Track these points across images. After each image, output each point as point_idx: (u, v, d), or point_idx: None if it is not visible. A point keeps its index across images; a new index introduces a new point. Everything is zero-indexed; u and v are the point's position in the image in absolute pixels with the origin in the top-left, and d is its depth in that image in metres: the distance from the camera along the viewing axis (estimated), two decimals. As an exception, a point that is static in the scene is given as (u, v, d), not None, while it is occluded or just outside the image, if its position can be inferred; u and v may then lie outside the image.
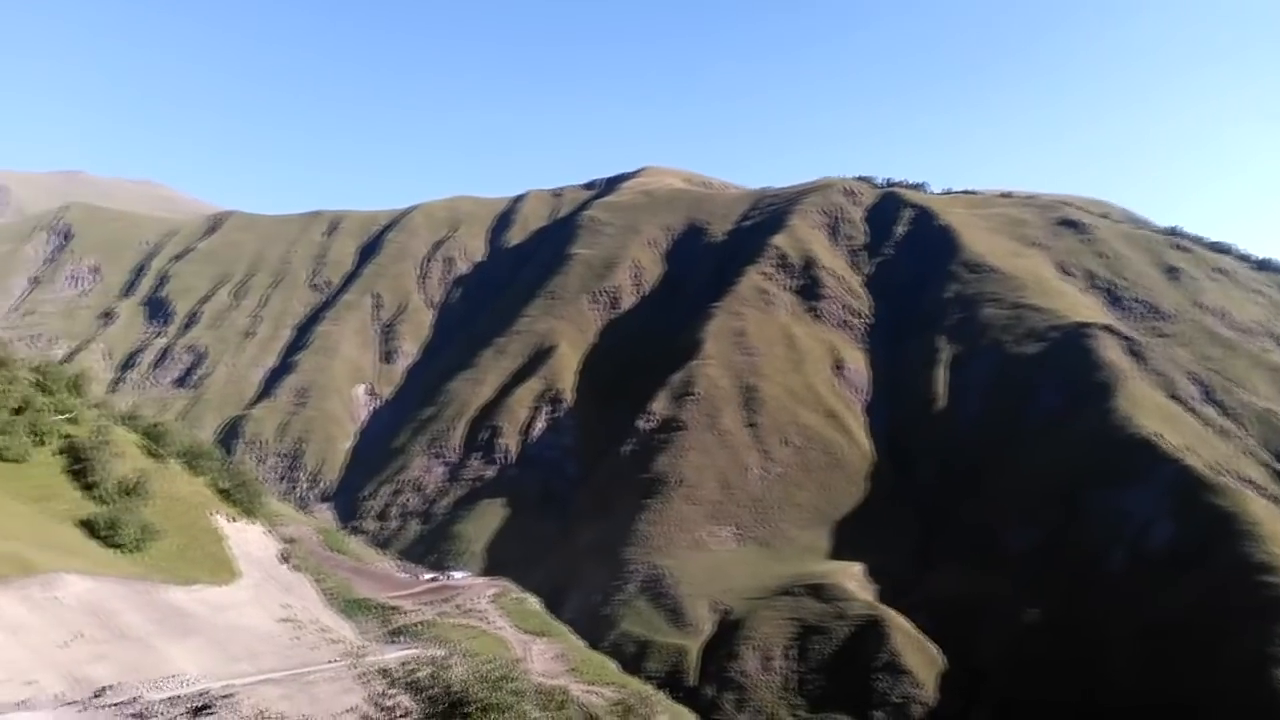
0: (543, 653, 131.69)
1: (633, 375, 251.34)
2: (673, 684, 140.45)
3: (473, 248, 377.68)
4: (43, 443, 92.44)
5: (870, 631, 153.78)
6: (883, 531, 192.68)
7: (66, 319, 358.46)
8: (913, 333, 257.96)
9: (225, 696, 15.18)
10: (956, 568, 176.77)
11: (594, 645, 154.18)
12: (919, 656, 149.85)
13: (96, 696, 40.00)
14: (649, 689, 59.67)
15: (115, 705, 19.92)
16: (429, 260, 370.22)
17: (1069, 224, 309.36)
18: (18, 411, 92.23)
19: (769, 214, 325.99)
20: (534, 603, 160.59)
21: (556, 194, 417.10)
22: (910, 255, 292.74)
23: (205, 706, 13.90)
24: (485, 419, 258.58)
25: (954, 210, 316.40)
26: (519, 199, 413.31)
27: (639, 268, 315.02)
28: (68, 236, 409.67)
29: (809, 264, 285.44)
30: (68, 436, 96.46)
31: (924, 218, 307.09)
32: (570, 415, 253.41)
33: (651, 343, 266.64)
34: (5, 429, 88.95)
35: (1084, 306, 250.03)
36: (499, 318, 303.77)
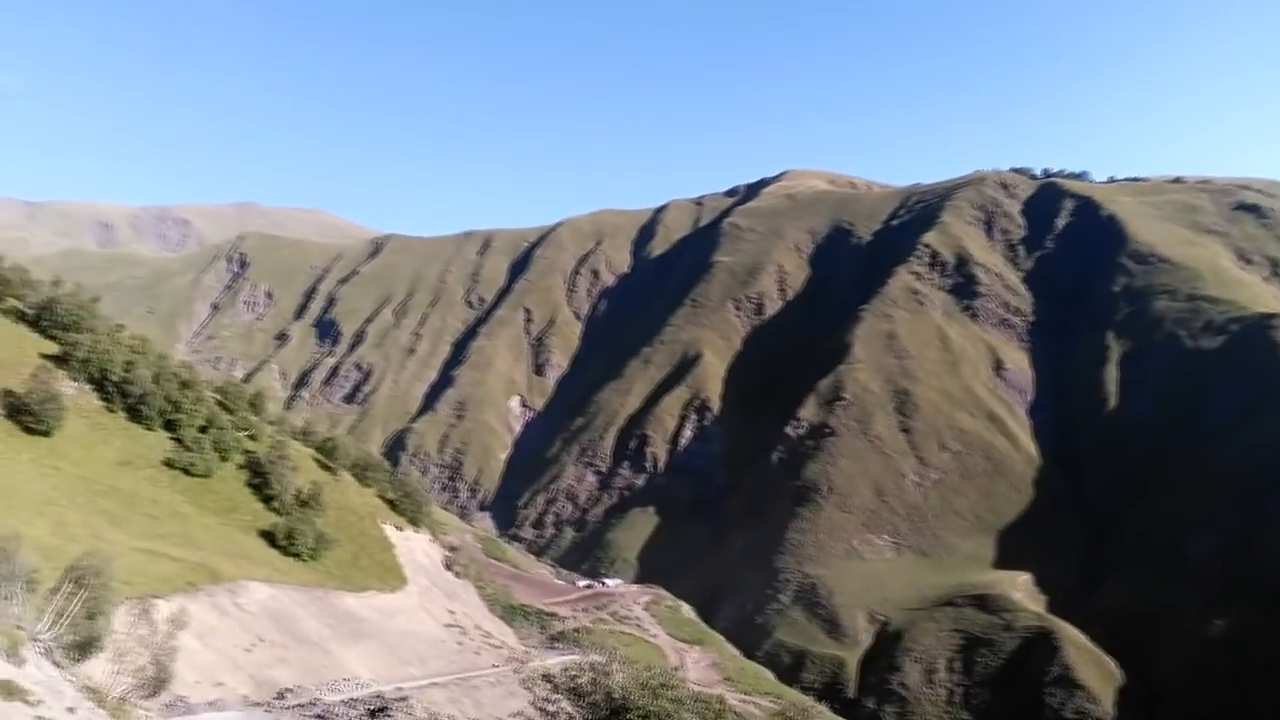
0: (697, 661, 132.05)
1: (779, 382, 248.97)
2: (831, 695, 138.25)
3: (617, 260, 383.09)
4: (226, 458, 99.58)
5: (1040, 644, 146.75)
6: (1050, 539, 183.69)
7: (245, 342, 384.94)
8: (1078, 330, 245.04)
9: (400, 699, 15.86)
10: (1131, 577, 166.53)
11: (748, 654, 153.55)
12: (1094, 670, 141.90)
13: (279, 698, 42.61)
14: (808, 700, 58.73)
15: (297, 707, 21.09)
16: (575, 274, 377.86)
17: (1248, 208, 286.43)
18: (204, 429, 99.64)
19: (918, 212, 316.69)
20: (687, 610, 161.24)
21: (698, 202, 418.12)
22: (1073, 248, 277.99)
23: (381, 709, 14.57)
24: (633, 428, 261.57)
25: (1119, 199, 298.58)
26: (661, 209, 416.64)
27: (783, 273, 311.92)
28: (244, 265, 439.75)
29: (963, 261, 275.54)
30: (249, 452, 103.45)
31: (1087, 208, 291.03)
32: (717, 423, 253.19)
33: (798, 348, 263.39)
34: (193, 446, 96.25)
35: (1268, 296, 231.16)
36: (644, 328, 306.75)
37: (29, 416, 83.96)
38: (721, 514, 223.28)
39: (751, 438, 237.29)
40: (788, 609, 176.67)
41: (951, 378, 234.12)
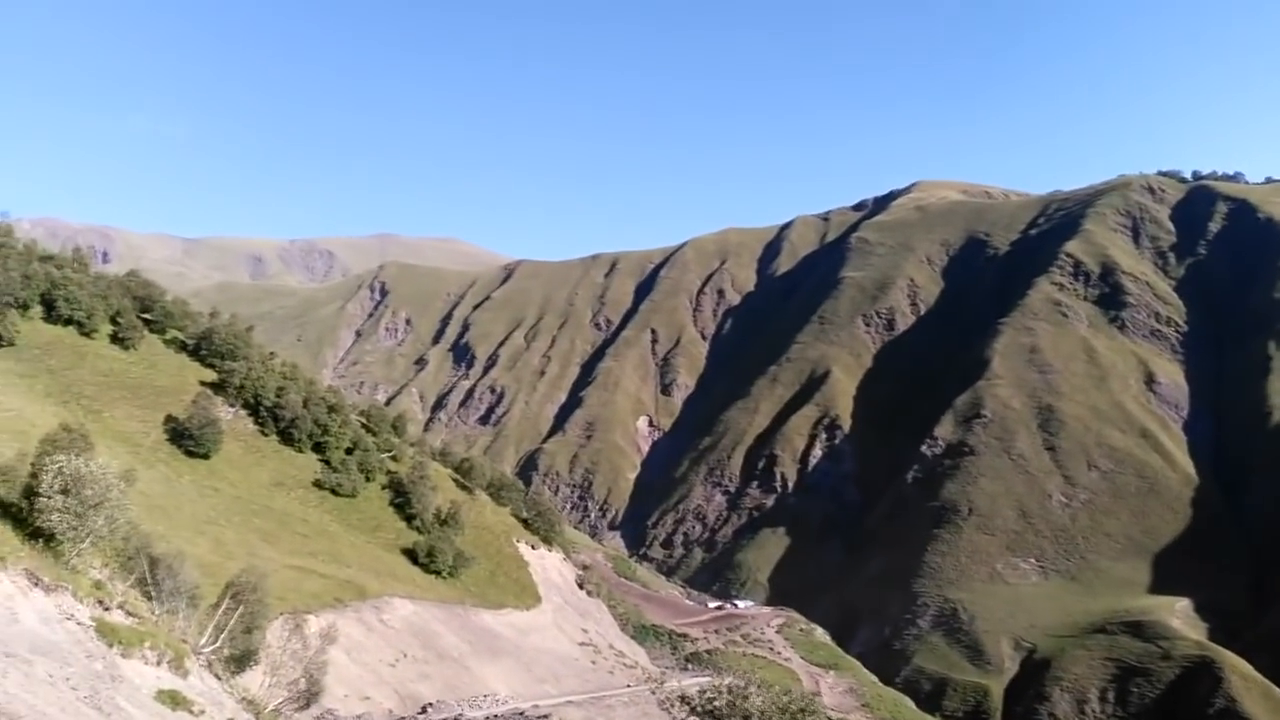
0: (833, 686, 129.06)
1: (913, 399, 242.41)
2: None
3: (742, 278, 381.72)
4: (370, 479, 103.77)
5: (1202, 674, 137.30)
6: (1210, 562, 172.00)
7: (386, 367, 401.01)
8: (1238, 339, 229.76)
9: (543, 717, 15.93)
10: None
11: (886, 681, 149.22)
12: (1262, 703, 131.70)
13: (422, 713, 43.79)
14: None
15: None
16: (700, 293, 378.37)
17: None
18: (350, 451, 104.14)
19: (1059, 220, 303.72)
20: (821, 634, 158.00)
21: (824, 218, 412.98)
22: (1229, 254, 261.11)
23: (521, 724, 14.67)
24: (761, 447, 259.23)
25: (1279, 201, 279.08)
26: (786, 226, 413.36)
27: (915, 287, 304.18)
28: (384, 293, 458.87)
29: (1108, 270, 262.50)
30: (391, 472, 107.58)
31: (1243, 211, 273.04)
32: (848, 442, 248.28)
33: (932, 364, 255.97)
34: (340, 467, 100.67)
35: None
36: (770, 346, 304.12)
37: (190, 440, 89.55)
38: (855, 535, 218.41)
39: (885, 457, 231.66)
40: (927, 634, 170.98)
41: (1099, 393, 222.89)
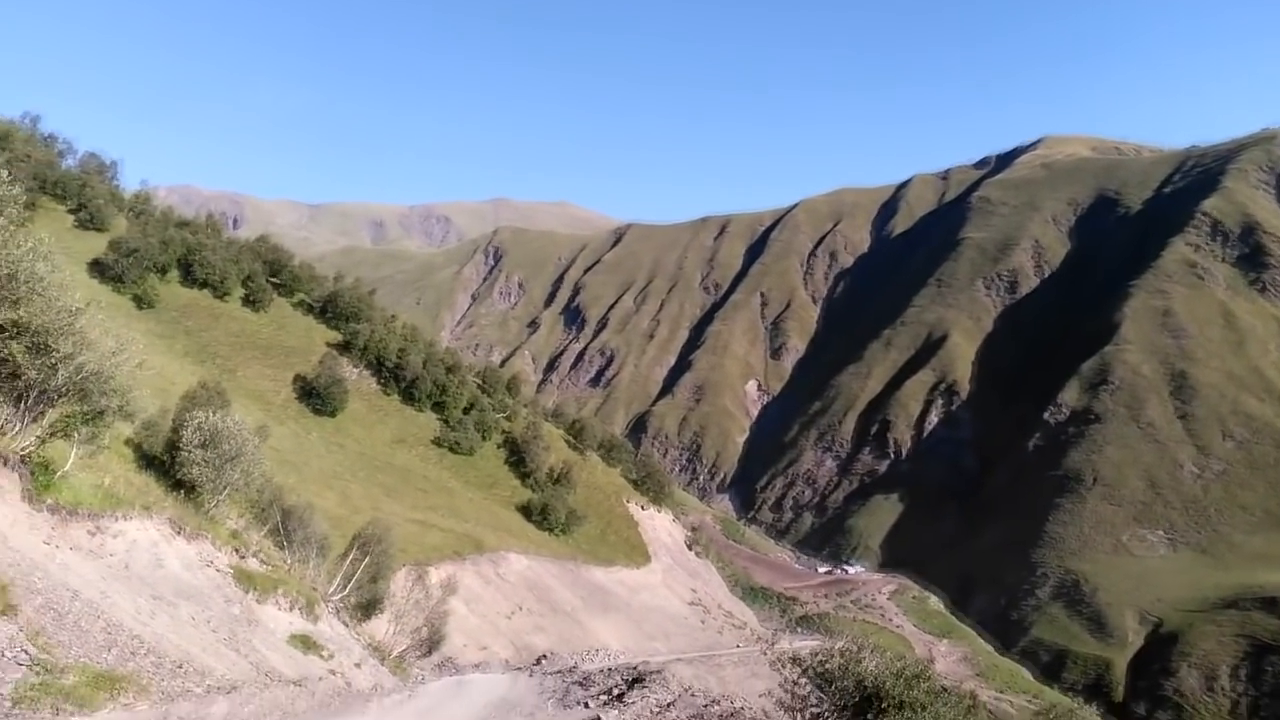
0: (946, 654, 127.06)
1: (1036, 364, 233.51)
2: (1095, 698, 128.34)
3: (856, 240, 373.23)
4: (487, 437, 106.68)
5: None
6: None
7: (500, 329, 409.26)
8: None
9: (655, 672, 16.09)
10: None
11: (1002, 650, 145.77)
12: None
13: (537, 664, 44.94)
14: (1069, 701, 54.75)
15: (557, 673, 21.96)
16: (812, 255, 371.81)
17: None
18: (467, 411, 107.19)
19: (1196, 176, 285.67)
20: (935, 602, 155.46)
21: (943, 176, 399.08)
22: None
23: (638, 679, 14.81)
24: (875, 412, 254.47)
25: None
26: (903, 185, 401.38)
27: (1040, 247, 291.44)
28: (498, 257, 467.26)
29: (1250, 230, 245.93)
30: (506, 432, 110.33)
31: None
32: (966, 408, 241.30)
33: (1057, 328, 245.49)
34: (458, 426, 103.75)
35: None
36: (885, 309, 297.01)
37: (318, 398, 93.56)
38: (972, 503, 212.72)
39: (1005, 424, 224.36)
40: (1046, 605, 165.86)
41: (1237, 358, 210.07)
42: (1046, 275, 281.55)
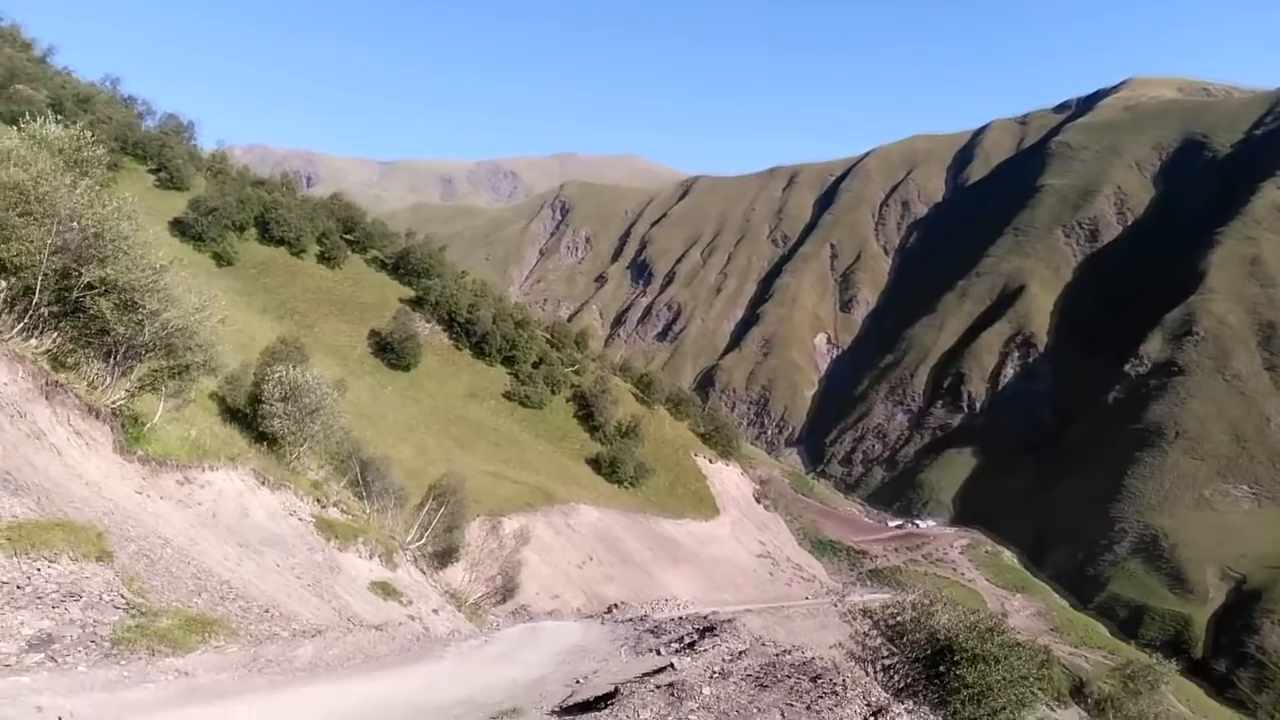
0: (1020, 609, 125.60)
1: (1117, 315, 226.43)
2: (1174, 655, 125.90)
3: (930, 188, 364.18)
4: (556, 391, 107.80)
5: None
6: None
7: (568, 284, 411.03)
8: None
9: (726, 621, 16.17)
10: None
11: (1078, 606, 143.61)
12: None
13: (608, 613, 45.66)
14: (1147, 657, 53.83)
15: (628, 621, 22.25)
16: (884, 205, 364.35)
17: None
18: (536, 365, 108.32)
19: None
20: (1009, 556, 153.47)
21: (1022, 121, 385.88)
22: None
23: (710, 628, 14.90)
24: (948, 365, 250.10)
25: None
26: (980, 131, 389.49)
27: (1122, 194, 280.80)
28: (565, 212, 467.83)
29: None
30: (575, 386, 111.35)
31: None
32: (1044, 360, 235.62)
33: (1140, 278, 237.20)
34: (528, 380, 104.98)
35: None
36: (960, 259, 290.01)
37: (392, 353, 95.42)
38: (1049, 457, 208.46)
39: (1084, 376, 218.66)
40: (1125, 560, 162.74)
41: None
42: (1129, 223, 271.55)
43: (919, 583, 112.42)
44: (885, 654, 20.35)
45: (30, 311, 16.04)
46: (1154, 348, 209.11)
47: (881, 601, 23.17)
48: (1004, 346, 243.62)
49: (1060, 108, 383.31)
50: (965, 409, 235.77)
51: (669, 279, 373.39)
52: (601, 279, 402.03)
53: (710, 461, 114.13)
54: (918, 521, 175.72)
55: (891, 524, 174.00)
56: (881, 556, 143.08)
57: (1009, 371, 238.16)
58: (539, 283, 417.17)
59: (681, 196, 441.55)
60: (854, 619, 21.88)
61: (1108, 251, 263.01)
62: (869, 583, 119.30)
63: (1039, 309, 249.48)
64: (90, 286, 16.65)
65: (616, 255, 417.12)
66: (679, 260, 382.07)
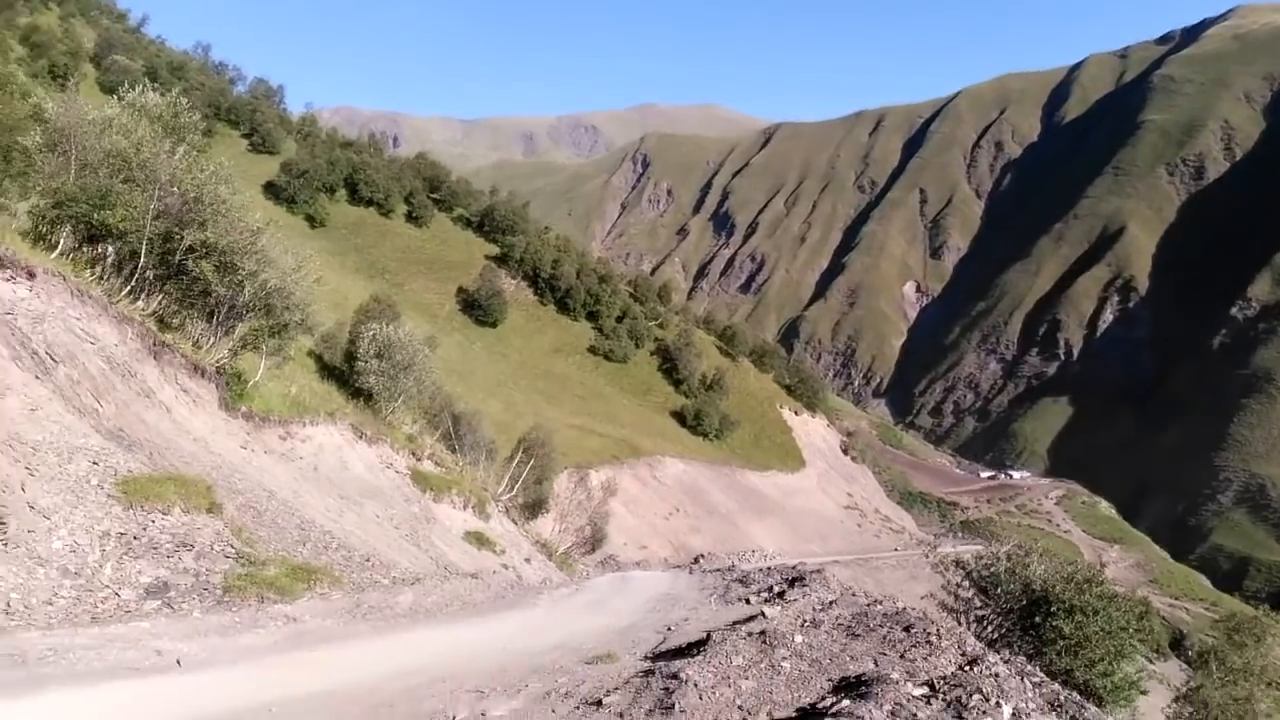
0: (1118, 561, 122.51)
1: (1223, 257, 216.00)
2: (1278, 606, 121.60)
3: (1024, 128, 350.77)
4: (640, 345, 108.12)
5: None
6: None
7: (650, 237, 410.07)
8: None
9: (815, 571, 16.12)
10: None
11: (1178, 558, 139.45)
12: None
13: (695, 563, 46.08)
14: (1251, 609, 51.93)
15: (716, 571, 22.38)
16: (976, 147, 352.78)
17: None
18: (620, 319, 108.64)
19: None
20: (1105, 507, 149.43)
21: (1121, 55, 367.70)
22: None
23: (798, 579, 14.87)
24: (1043, 312, 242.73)
25: None
26: (1076, 67, 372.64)
27: (1230, 129, 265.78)
28: (646, 165, 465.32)
29: None
30: (659, 339, 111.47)
31: None
32: (1144, 305, 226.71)
33: (1248, 218, 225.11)
34: (611, 334, 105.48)
35: None
36: (1056, 201, 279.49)
37: (479, 310, 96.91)
38: (1149, 405, 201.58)
39: (1186, 321, 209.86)
40: (1228, 510, 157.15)
41: None
42: (1237, 159, 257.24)
43: (1012, 534, 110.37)
44: (978, 605, 20.04)
45: (136, 274, 16.69)
46: (1262, 290, 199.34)
47: (974, 553, 22.84)
48: (1102, 291, 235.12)
49: (1163, 39, 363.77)
50: (1061, 357, 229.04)
51: (751, 230, 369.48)
52: (683, 231, 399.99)
53: (795, 414, 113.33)
54: (1011, 472, 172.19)
55: (983, 475, 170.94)
56: (973, 508, 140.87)
57: (1107, 317, 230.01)
58: (621, 237, 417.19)
59: (763, 145, 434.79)
60: (945, 570, 21.58)
61: (1213, 190, 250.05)
62: (960, 534, 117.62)
63: (1139, 251, 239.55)
64: (191, 249, 17.23)
65: (698, 207, 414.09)
66: (761, 210, 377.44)
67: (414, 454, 25.89)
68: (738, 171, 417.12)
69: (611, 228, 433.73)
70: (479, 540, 23.67)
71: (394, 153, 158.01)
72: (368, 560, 14.46)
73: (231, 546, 10.02)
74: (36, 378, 10.70)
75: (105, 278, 15.99)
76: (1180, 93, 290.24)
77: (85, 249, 16.22)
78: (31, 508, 8.39)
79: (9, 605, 7.36)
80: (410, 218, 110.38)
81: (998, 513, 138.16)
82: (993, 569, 20.00)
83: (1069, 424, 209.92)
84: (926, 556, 23.86)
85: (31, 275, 12.93)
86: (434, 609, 12.06)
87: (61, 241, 15.63)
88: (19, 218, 16.59)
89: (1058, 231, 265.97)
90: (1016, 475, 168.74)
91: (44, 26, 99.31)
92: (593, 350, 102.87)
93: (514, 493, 33.97)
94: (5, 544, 7.78)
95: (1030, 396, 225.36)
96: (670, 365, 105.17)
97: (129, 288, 16.47)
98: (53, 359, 11.74)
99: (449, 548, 21.11)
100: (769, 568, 22.68)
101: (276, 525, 13.37)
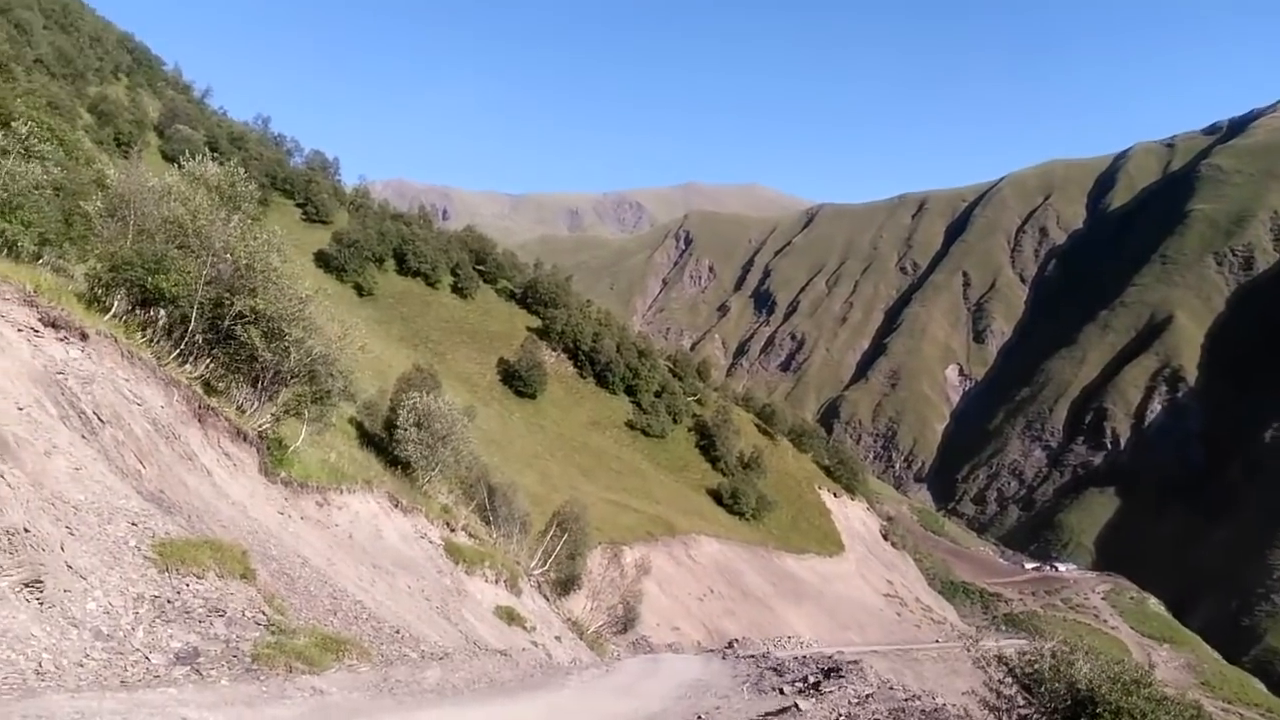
0: (1167, 661, 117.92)
1: (1274, 347, 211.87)
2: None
3: (1069, 215, 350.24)
4: (677, 421, 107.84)
5: None
6: None
7: (690, 313, 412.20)
8: None
9: (852, 663, 15.68)
10: None
11: (1230, 659, 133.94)
12: None
13: (729, 648, 45.07)
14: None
15: (750, 658, 21.87)
16: (1020, 233, 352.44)
17: None
18: (658, 394, 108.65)
19: None
20: (1155, 604, 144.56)
21: (1168, 144, 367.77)
22: None
23: (834, 669, 14.47)
24: (1089, 400, 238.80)
25: None
26: (1122, 155, 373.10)
27: (1279, 220, 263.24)
28: (688, 242, 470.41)
29: None
30: (697, 416, 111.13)
31: None
32: (1194, 396, 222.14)
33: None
34: (649, 409, 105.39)
35: None
36: (1102, 289, 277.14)
37: (519, 381, 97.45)
38: (1200, 499, 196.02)
39: (1238, 413, 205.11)
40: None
41: None
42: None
43: (1057, 629, 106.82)
44: (1021, 704, 19.30)
45: (186, 339, 17.05)
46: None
47: (1017, 648, 22.04)
48: (1150, 381, 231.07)
49: (1210, 129, 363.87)
50: (1108, 447, 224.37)
51: (792, 309, 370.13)
52: (724, 309, 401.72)
53: (835, 496, 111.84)
54: (1056, 565, 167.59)
55: (1028, 566, 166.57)
56: (1017, 600, 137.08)
57: (1155, 408, 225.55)
58: (661, 312, 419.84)
59: (805, 225, 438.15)
60: (987, 665, 20.83)
61: (1264, 280, 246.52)
62: (1004, 628, 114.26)
63: (1188, 341, 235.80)
64: (240, 315, 17.59)
65: (739, 285, 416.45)
66: (802, 290, 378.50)
67: (448, 525, 25.83)
68: (779, 250, 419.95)
69: (653, 303, 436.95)
70: (510, 616, 23.40)
71: (443, 225, 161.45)
72: (397, 633, 14.31)
73: (263, 614, 9.98)
74: (83, 438, 10.88)
75: (156, 341, 16.34)
76: (1229, 183, 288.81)
77: (138, 312, 16.62)
78: (69, 568, 8.44)
79: (40, 666, 7.35)
80: (455, 289, 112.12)
81: (1042, 606, 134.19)
82: (1036, 666, 19.33)
83: (1116, 516, 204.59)
84: (968, 650, 23.15)
85: (84, 336, 13.24)
86: (461, 686, 11.87)
87: (115, 304, 16.03)
88: (76, 280, 17.10)
89: (1104, 319, 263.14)
90: (1062, 568, 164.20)
91: (112, 97, 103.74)
92: (630, 425, 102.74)
93: (546, 568, 33.66)
94: (41, 604, 7.81)
95: (1076, 486, 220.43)
96: (708, 442, 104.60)
97: (178, 351, 16.80)
98: (100, 420, 11.94)
99: (479, 622, 20.87)
100: (805, 656, 22.14)
101: (309, 593, 13.32)
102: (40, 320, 12.60)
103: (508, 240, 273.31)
